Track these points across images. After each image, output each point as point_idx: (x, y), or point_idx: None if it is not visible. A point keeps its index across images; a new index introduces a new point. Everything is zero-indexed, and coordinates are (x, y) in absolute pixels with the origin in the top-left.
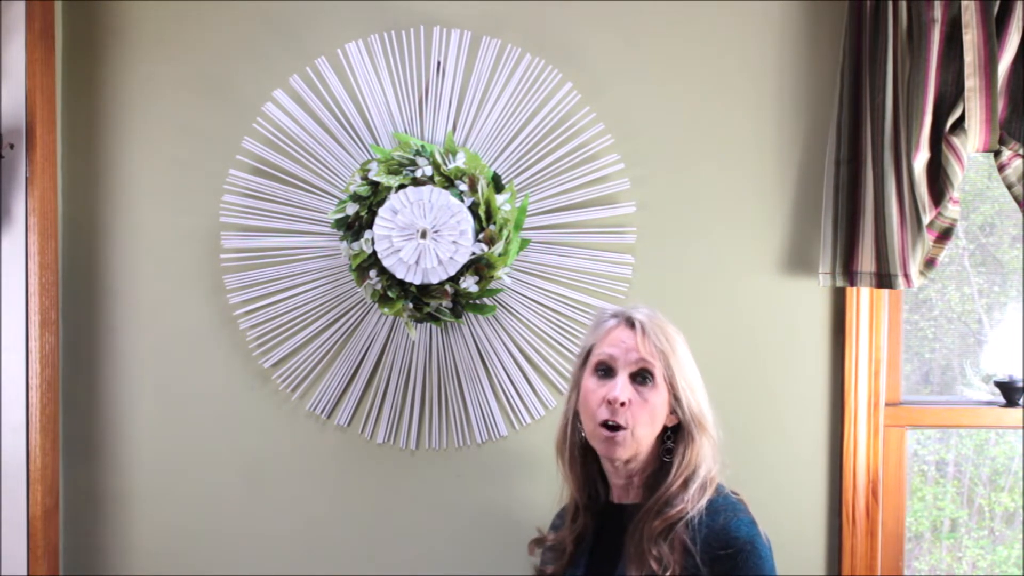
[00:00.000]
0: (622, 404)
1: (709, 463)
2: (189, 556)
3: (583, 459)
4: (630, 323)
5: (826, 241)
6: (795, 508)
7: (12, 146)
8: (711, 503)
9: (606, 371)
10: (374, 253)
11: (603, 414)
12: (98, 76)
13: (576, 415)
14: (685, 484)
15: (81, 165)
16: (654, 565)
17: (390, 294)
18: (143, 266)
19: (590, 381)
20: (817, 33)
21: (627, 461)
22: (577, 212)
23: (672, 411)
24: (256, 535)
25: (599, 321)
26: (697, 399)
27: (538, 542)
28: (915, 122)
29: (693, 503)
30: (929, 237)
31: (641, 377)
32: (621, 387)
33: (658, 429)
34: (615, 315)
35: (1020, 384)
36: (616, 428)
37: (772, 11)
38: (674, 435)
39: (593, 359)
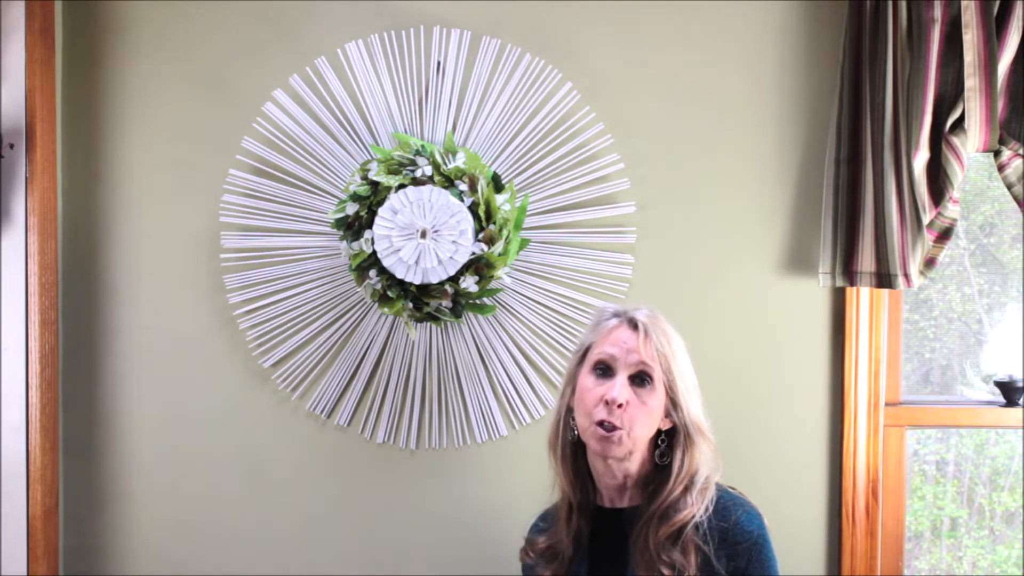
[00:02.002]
0: (619, 406)
1: (707, 466)
2: (189, 556)
3: (575, 456)
4: (632, 324)
5: (826, 241)
6: (795, 508)
7: (12, 146)
8: (716, 501)
9: (605, 370)
10: (374, 253)
11: (600, 414)
12: (98, 76)
13: (570, 411)
14: (686, 489)
15: (81, 165)
16: (666, 572)
17: (390, 294)
18: (143, 266)
19: (587, 379)
20: (817, 33)
21: (621, 459)
22: (577, 212)
23: (667, 414)
24: (256, 535)
25: (600, 319)
26: (695, 403)
27: (532, 547)
28: (915, 122)
29: (697, 506)
30: (929, 237)
31: (640, 379)
32: (620, 388)
33: (653, 431)
34: (617, 314)
35: (1020, 384)
36: (612, 428)
37: (772, 11)
38: (668, 439)
39: (592, 357)
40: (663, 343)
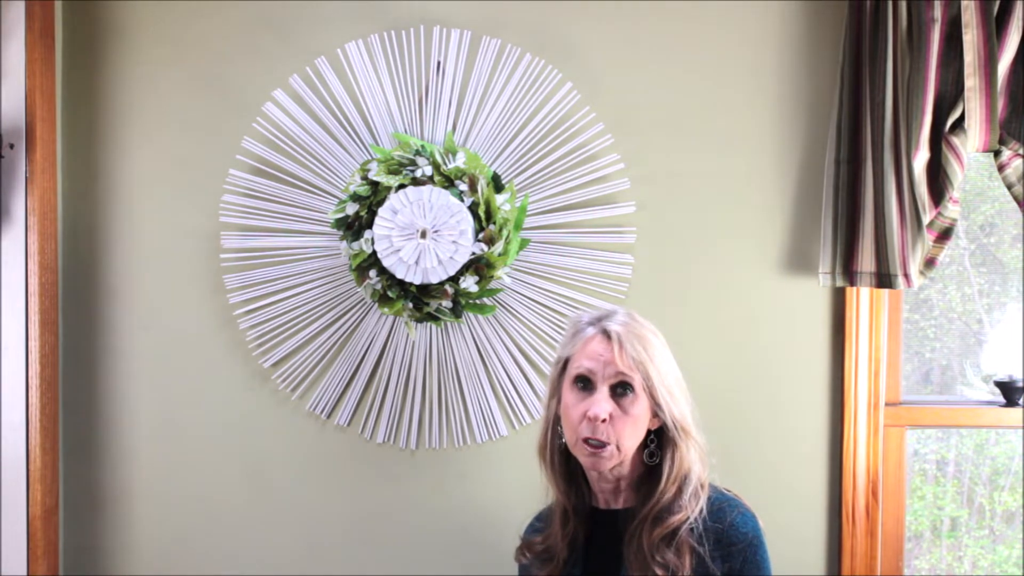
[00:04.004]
0: (603, 421)
1: (698, 466)
2: (189, 556)
3: (565, 463)
4: (606, 335)
5: (826, 241)
6: (795, 508)
7: (12, 146)
8: (711, 503)
9: (585, 384)
10: (374, 253)
11: (584, 431)
12: (98, 76)
13: (557, 420)
14: (679, 490)
15: (81, 165)
16: (660, 573)
17: (390, 294)
18: (143, 266)
19: (570, 395)
20: (817, 33)
21: (612, 468)
22: (577, 212)
23: (654, 415)
24: (256, 535)
25: (576, 330)
26: (678, 404)
27: (528, 547)
28: (915, 122)
29: (691, 508)
30: (929, 237)
31: (621, 388)
32: (601, 404)
33: (641, 436)
34: (591, 323)
35: (1020, 384)
36: (600, 444)
37: (772, 11)
38: (657, 438)
39: (572, 371)
40: (639, 350)
